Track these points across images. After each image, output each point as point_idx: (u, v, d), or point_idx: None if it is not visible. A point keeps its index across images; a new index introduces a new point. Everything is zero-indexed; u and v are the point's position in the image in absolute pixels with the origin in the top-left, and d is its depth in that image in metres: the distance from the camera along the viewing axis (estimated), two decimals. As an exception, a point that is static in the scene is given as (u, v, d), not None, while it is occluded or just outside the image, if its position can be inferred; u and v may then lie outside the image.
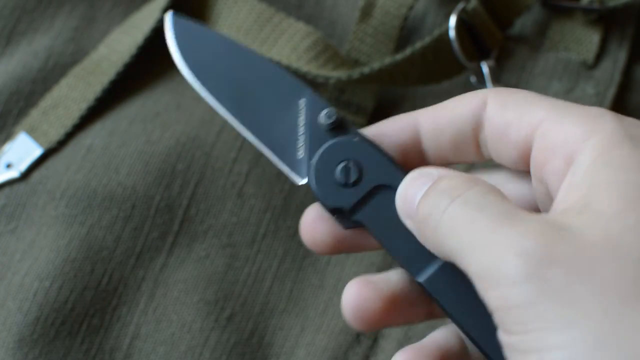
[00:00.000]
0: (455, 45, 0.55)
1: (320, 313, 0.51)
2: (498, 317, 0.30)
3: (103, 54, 0.57)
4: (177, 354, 0.50)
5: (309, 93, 0.39)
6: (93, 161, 0.53)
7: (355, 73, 0.53)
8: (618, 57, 0.57)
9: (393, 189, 0.36)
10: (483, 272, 0.30)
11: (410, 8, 0.56)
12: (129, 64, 0.55)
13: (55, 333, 0.49)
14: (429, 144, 0.38)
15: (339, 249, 0.39)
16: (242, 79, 0.39)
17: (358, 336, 0.51)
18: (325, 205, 0.37)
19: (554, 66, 0.57)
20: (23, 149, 0.54)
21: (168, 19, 0.39)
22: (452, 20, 0.55)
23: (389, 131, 0.38)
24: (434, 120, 0.38)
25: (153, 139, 0.53)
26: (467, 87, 0.56)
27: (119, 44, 0.56)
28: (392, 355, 0.50)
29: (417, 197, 0.34)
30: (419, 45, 0.54)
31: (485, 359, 0.35)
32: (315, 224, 0.39)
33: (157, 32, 0.56)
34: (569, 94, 0.56)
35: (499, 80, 0.56)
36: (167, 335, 0.50)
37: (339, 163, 0.37)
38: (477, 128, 0.37)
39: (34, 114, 0.55)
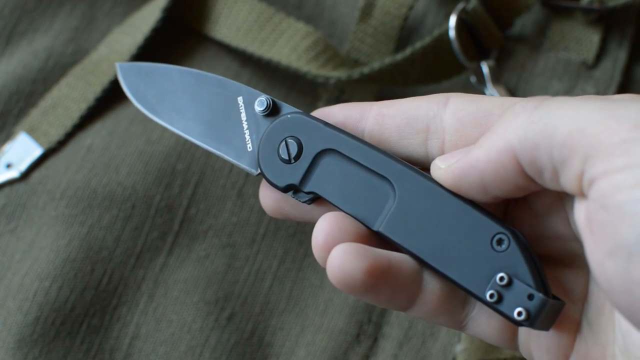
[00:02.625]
0: (455, 45, 0.55)
1: (320, 313, 0.51)
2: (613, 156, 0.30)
3: (103, 54, 0.57)
4: (177, 354, 0.50)
5: (244, 89, 0.41)
6: (93, 161, 0.53)
7: (355, 73, 0.53)
8: (618, 57, 0.57)
9: (333, 150, 0.38)
10: (608, 124, 0.30)
11: (410, 8, 0.56)
12: (129, 64, 0.55)
13: (55, 333, 0.49)
14: (370, 126, 0.38)
15: (285, 212, 0.40)
16: (188, 98, 0.42)
17: (358, 336, 0.51)
18: (277, 186, 0.39)
19: (554, 66, 0.57)
20: (23, 149, 0.54)
21: (118, 69, 0.43)
22: (452, 20, 0.55)
23: (341, 106, 0.39)
24: (386, 107, 0.38)
25: (153, 139, 0.53)
26: (467, 87, 0.56)
27: (119, 44, 0.56)
28: (392, 355, 0.50)
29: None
30: (419, 45, 0.54)
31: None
32: (265, 187, 0.40)
33: (157, 32, 0.56)
34: (568, 94, 0.56)
35: (499, 80, 0.56)
36: (167, 335, 0.50)
37: (279, 143, 0.39)
38: (431, 120, 0.37)
39: (34, 114, 0.55)
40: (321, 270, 0.52)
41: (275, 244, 0.52)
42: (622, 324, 0.33)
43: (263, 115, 0.40)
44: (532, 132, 0.32)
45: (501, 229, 0.34)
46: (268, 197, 0.40)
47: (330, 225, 0.36)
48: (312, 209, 0.39)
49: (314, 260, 0.52)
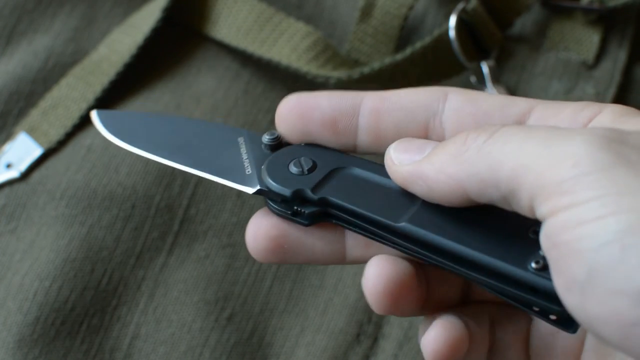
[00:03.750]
0: (455, 45, 0.55)
1: (320, 313, 0.51)
2: (559, 193, 0.30)
3: (103, 54, 0.57)
4: (177, 354, 0.50)
5: (245, 132, 0.40)
6: (93, 161, 0.53)
7: (355, 73, 0.53)
8: (618, 57, 0.57)
9: (352, 168, 0.37)
10: (551, 162, 0.30)
11: (410, 8, 0.56)
12: (129, 64, 0.55)
13: (55, 333, 0.49)
14: (366, 122, 0.37)
15: (283, 242, 0.38)
16: (179, 138, 0.40)
17: (358, 336, 0.51)
18: (283, 194, 0.37)
19: (554, 66, 0.57)
20: (23, 149, 0.54)
21: (94, 116, 0.42)
22: (452, 20, 0.55)
23: (328, 96, 0.38)
24: (382, 101, 0.37)
25: (153, 139, 0.53)
26: (467, 87, 0.56)
27: (119, 44, 0.57)
28: (392, 355, 0.50)
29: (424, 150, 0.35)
30: (419, 45, 0.54)
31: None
32: (259, 220, 0.38)
33: (157, 32, 0.56)
34: (569, 94, 0.56)
35: (499, 80, 0.56)
36: (167, 335, 0.50)
37: (290, 162, 0.37)
38: (430, 118, 0.37)
39: (34, 114, 0.55)
40: (321, 270, 0.52)
41: (275, 244, 0.52)
42: None
43: (269, 146, 0.38)
44: (478, 168, 0.32)
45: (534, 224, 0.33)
46: (263, 228, 0.37)
47: (379, 271, 0.35)
48: (313, 239, 0.38)
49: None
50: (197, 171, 0.39)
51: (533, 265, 0.32)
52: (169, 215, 0.52)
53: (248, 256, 0.52)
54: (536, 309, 0.33)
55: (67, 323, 0.49)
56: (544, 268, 0.32)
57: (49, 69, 0.57)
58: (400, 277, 0.35)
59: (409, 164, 0.35)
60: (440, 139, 0.37)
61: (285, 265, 0.52)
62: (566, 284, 0.30)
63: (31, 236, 0.51)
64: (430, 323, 0.36)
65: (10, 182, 0.53)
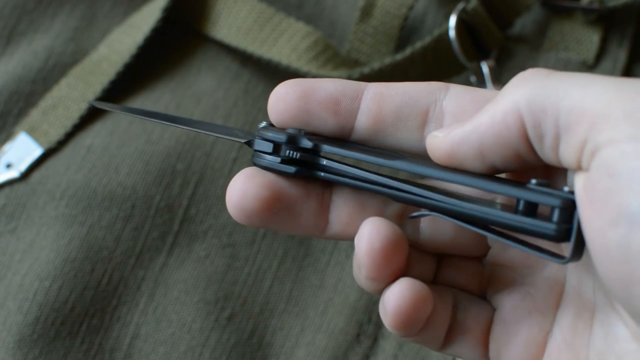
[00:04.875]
0: (455, 45, 0.55)
1: (320, 313, 0.51)
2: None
3: (103, 54, 0.57)
4: (177, 354, 0.50)
5: (241, 130, 0.40)
6: (93, 161, 0.53)
7: (355, 73, 0.53)
8: (618, 57, 0.57)
9: (350, 143, 0.37)
10: (623, 95, 0.30)
11: (411, 8, 0.56)
12: (129, 64, 0.55)
13: (55, 333, 0.49)
14: (368, 105, 0.37)
15: (273, 205, 0.36)
16: (183, 118, 0.42)
17: (358, 336, 0.51)
18: (279, 138, 0.36)
19: (554, 66, 0.57)
20: (23, 149, 0.54)
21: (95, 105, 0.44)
22: (452, 20, 0.55)
23: (332, 80, 0.38)
24: (386, 88, 0.38)
25: (153, 139, 0.53)
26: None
27: (119, 44, 0.57)
28: (392, 355, 0.50)
29: None
30: (419, 45, 0.54)
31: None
32: (248, 180, 0.36)
33: (157, 32, 0.56)
34: (569, 94, 0.56)
35: (499, 80, 0.56)
36: (167, 335, 0.50)
37: (288, 129, 0.37)
38: (431, 104, 0.37)
39: (34, 114, 0.55)
40: (321, 270, 0.52)
41: (275, 244, 0.52)
42: (608, 324, 0.34)
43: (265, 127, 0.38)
44: (541, 96, 0.32)
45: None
46: (253, 188, 0.36)
47: (375, 229, 0.35)
48: (301, 207, 0.37)
49: (314, 260, 0.52)
50: (190, 128, 0.40)
51: (533, 182, 0.33)
52: (169, 215, 0.52)
53: (248, 256, 0.52)
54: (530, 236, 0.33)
55: (67, 323, 0.49)
56: (544, 184, 0.33)
57: (49, 69, 0.57)
58: (395, 236, 0.35)
59: (458, 128, 0.35)
60: (440, 124, 0.37)
61: (285, 265, 0.52)
62: (613, 217, 0.30)
63: (31, 236, 0.51)
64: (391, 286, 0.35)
65: (10, 182, 0.53)
